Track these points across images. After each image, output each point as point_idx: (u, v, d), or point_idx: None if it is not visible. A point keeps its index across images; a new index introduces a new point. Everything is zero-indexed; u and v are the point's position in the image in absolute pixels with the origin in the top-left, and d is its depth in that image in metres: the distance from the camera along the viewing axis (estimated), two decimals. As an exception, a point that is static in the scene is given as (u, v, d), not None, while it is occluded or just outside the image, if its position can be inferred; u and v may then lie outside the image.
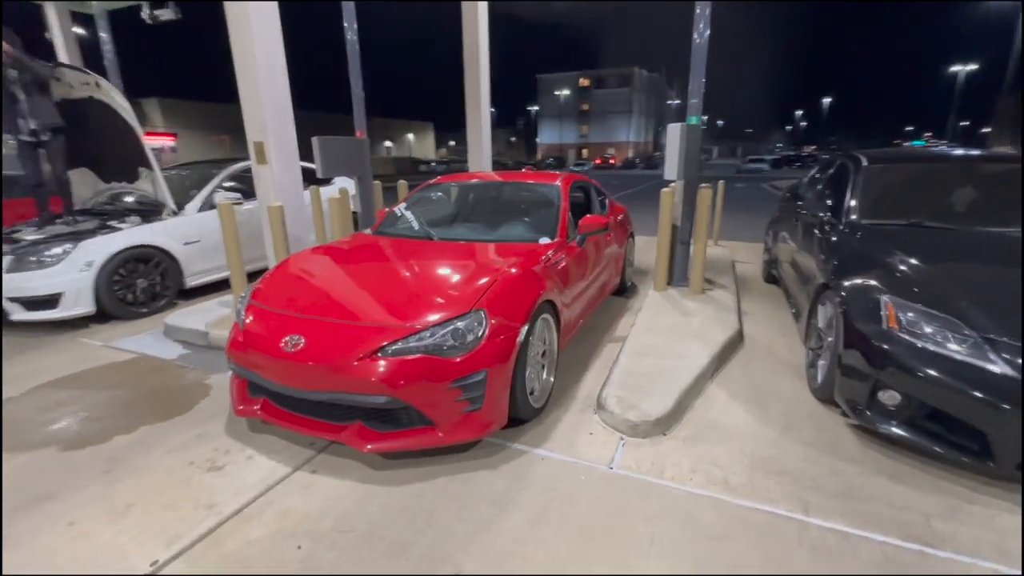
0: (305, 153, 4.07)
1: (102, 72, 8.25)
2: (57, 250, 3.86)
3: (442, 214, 3.78)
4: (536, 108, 72.51)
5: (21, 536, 1.80)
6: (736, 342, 3.47)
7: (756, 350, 3.45)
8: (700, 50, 4.01)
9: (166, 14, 7.63)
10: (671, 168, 3.87)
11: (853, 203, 3.20)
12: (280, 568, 1.64)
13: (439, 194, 3.94)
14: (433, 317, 2.16)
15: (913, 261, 2.46)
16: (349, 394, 2.04)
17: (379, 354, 2.05)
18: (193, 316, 3.88)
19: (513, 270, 2.49)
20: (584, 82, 70.18)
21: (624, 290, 4.70)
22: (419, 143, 66.22)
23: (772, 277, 5.01)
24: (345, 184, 5.93)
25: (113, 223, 4.35)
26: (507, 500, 1.96)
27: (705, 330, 3.45)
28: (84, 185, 4.99)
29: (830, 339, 2.56)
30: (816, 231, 3.31)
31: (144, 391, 2.95)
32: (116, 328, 4.02)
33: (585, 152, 68.68)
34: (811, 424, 2.50)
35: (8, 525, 1.85)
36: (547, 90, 70.86)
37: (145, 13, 8.23)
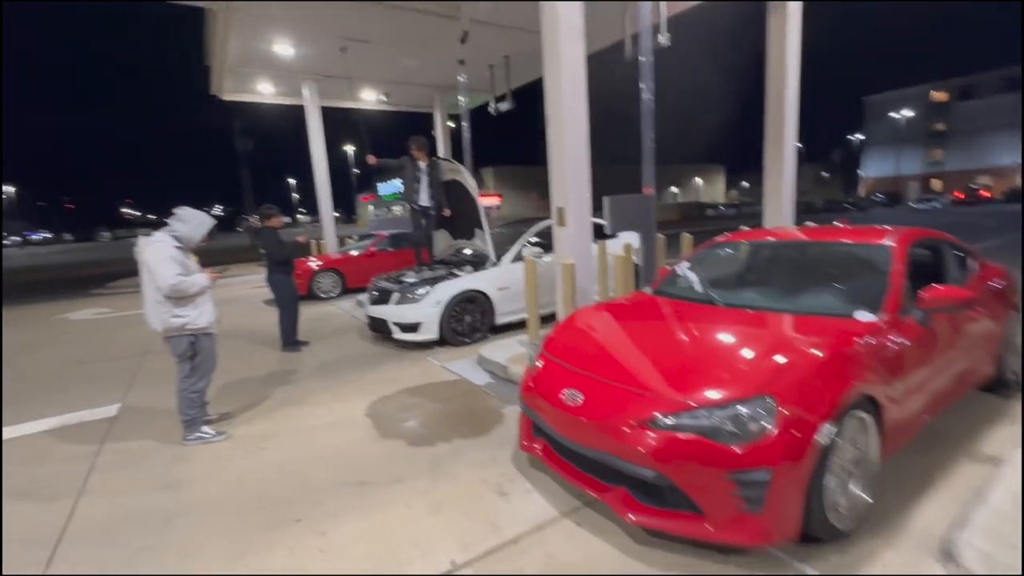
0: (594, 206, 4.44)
1: (461, 151, 11.17)
2: (421, 291, 5.32)
3: (730, 275, 3.51)
4: (860, 136, 60.11)
5: (381, 503, 2.49)
6: None
7: None
8: None
9: (505, 106, 10.30)
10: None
11: None
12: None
13: (728, 252, 3.69)
14: (711, 395, 2.01)
15: None
16: (617, 458, 2.08)
17: (650, 424, 2.02)
18: (498, 351, 4.68)
19: (815, 351, 2.10)
20: (939, 96, 54.38)
21: (1003, 385, 3.32)
22: (707, 187, 63.92)
23: None
24: (630, 239, 6.20)
25: (455, 271, 5.72)
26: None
27: None
28: (441, 241, 6.76)
29: None
30: None
31: (459, 409, 3.71)
32: (448, 352, 5.21)
33: (938, 184, 52.63)
34: None
35: (371, 494, 2.58)
36: (878, 113, 57.96)
37: (491, 107, 10.85)
